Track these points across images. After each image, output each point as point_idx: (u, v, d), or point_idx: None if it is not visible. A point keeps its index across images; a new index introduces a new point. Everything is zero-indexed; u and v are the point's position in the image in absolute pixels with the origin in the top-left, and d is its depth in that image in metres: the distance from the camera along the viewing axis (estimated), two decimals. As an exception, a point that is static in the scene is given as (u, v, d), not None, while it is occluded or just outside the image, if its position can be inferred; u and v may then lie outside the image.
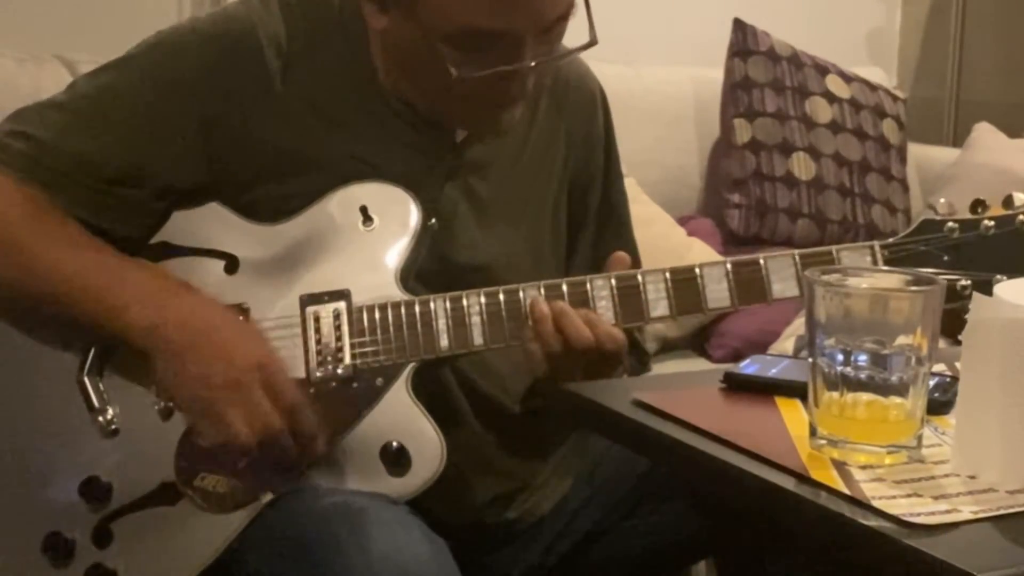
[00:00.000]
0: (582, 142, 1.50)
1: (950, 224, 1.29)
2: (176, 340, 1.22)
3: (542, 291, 1.30)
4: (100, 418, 1.27)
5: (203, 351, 1.22)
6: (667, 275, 1.32)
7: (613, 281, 1.31)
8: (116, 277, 1.26)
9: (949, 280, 1.25)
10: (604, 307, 1.31)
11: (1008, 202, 1.29)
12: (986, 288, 1.24)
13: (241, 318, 1.30)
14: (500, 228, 1.41)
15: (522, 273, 1.37)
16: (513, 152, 1.44)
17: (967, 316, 0.96)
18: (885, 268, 1.27)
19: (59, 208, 1.29)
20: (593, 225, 1.51)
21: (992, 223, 1.27)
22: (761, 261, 1.31)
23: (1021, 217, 1.27)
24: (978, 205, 1.29)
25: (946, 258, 1.28)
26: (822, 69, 2.84)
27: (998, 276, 1.25)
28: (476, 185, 1.40)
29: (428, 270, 1.34)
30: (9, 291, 1.28)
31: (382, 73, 1.36)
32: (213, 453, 1.24)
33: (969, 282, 1.26)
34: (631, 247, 1.53)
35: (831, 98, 2.82)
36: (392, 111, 1.37)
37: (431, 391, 1.30)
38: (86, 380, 1.29)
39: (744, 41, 2.77)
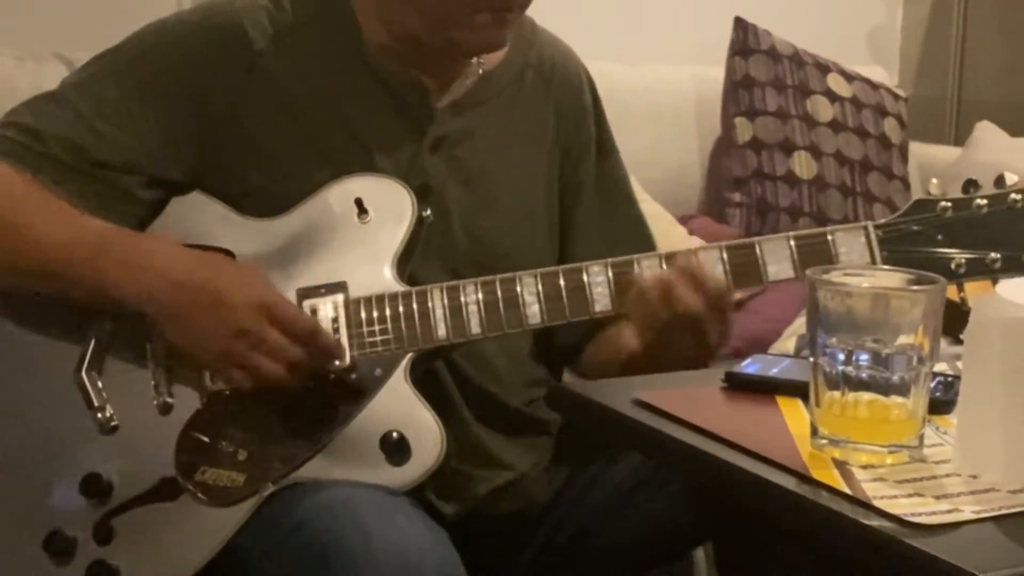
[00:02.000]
0: (571, 114, 1.52)
1: (943, 203, 1.28)
2: (175, 303, 1.25)
3: (538, 278, 1.31)
4: (99, 415, 1.28)
5: (204, 308, 1.24)
6: (663, 259, 1.31)
7: (609, 267, 1.31)
8: (104, 250, 1.27)
9: (943, 259, 1.25)
10: (601, 293, 1.31)
11: (1000, 181, 1.29)
12: (980, 267, 1.24)
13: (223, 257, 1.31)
14: (489, 196, 1.43)
15: (515, 237, 1.39)
16: (498, 122, 1.45)
17: (967, 311, 0.96)
18: (887, 267, 1.26)
19: (47, 188, 1.30)
20: (595, 200, 1.52)
21: (985, 201, 1.27)
22: (756, 244, 1.31)
23: (1013, 195, 1.27)
24: (970, 185, 1.29)
25: (940, 237, 1.27)
26: (823, 68, 2.84)
27: (992, 254, 1.25)
28: (462, 155, 1.42)
29: (426, 247, 1.35)
30: (2, 271, 1.30)
31: (370, 32, 1.38)
32: (220, 437, 1.26)
33: (964, 261, 1.26)
34: (639, 222, 1.54)
35: (832, 97, 2.82)
36: (377, 82, 1.39)
37: (426, 382, 1.30)
38: (84, 377, 1.29)
39: (745, 40, 2.77)
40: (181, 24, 1.39)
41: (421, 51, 1.39)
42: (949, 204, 1.28)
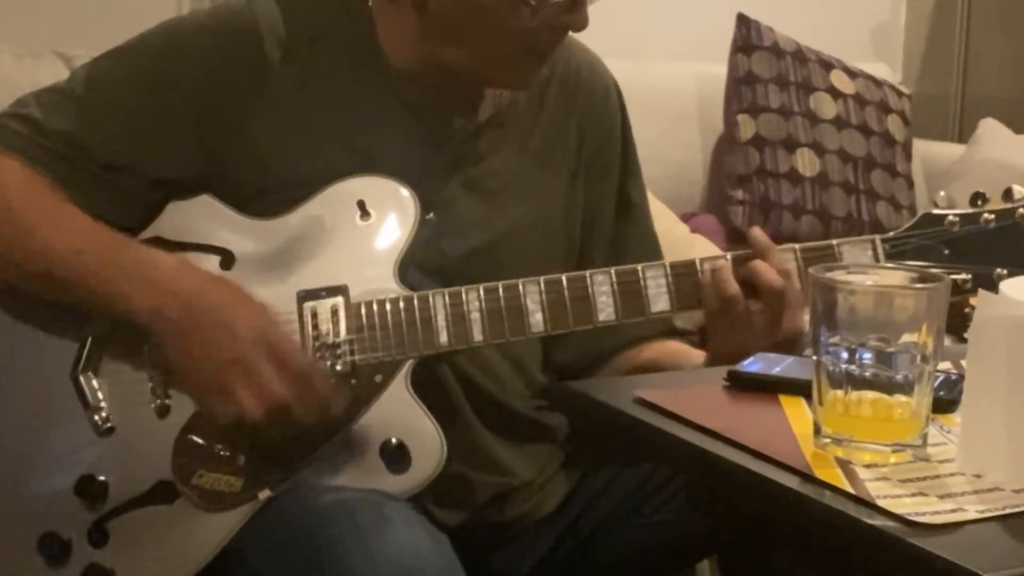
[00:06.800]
0: (596, 130, 1.49)
1: (951, 218, 1.28)
2: (179, 321, 1.23)
3: (542, 286, 1.30)
4: (95, 416, 1.27)
5: (207, 329, 1.22)
6: (668, 269, 1.31)
7: (614, 276, 1.30)
8: (114, 261, 1.26)
9: (950, 274, 1.24)
10: (604, 302, 1.30)
11: (1008, 195, 1.29)
12: (987, 282, 1.23)
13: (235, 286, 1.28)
14: (504, 216, 1.40)
15: (525, 260, 1.37)
16: (519, 141, 1.43)
17: (969, 309, 0.96)
18: (890, 265, 1.26)
19: (56, 188, 1.30)
20: (611, 218, 1.50)
21: (992, 216, 1.27)
22: None
23: (1021, 210, 1.27)
24: (978, 198, 1.29)
25: (947, 252, 1.27)
26: (826, 64, 2.83)
27: (999, 270, 1.25)
28: (477, 174, 1.40)
29: (427, 259, 1.34)
30: (7, 270, 1.29)
31: (392, 51, 1.36)
32: (217, 441, 1.25)
33: (970, 276, 1.26)
34: (651, 243, 1.52)
35: (836, 94, 2.81)
36: (394, 98, 1.36)
37: (429, 387, 1.29)
38: (80, 378, 1.29)
39: (748, 36, 2.76)
40: (196, 28, 1.36)
41: (447, 75, 1.36)
42: (957, 219, 1.28)
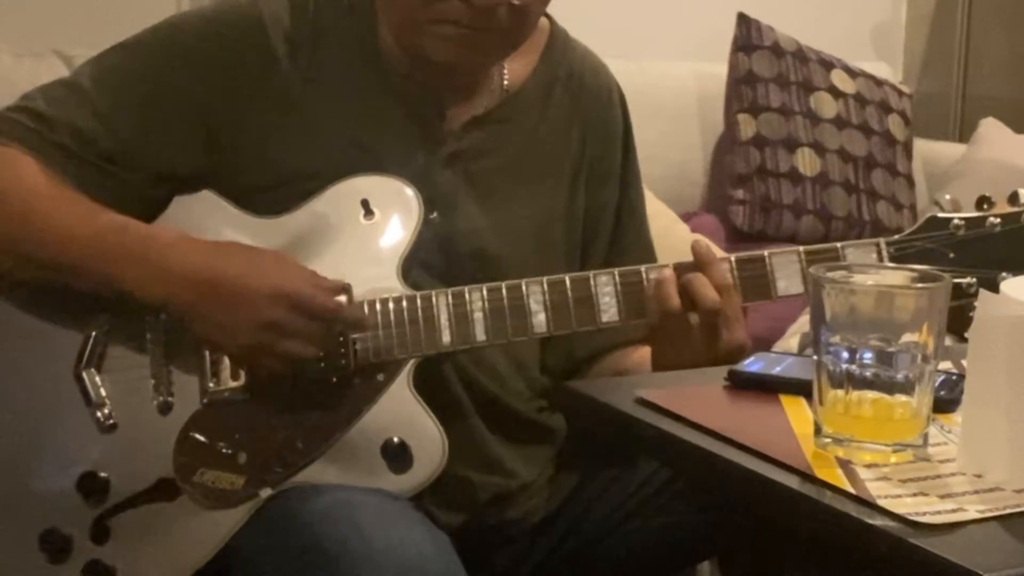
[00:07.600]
0: (600, 133, 1.49)
1: (956, 221, 1.28)
2: (195, 302, 1.24)
3: (545, 286, 1.30)
4: (98, 413, 1.28)
5: (225, 305, 1.24)
6: (671, 269, 1.31)
7: (617, 277, 1.30)
8: (120, 247, 1.26)
9: (955, 278, 1.24)
10: (608, 303, 1.30)
11: (1014, 199, 1.29)
12: (992, 286, 1.23)
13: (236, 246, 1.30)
14: (507, 216, 1.41)
15: (527, 259, 1.37)
16: (521, 141, 1.43)
17: (972, 313, 0.96)
18: (891, 265, 1.26)
19: (62, 179, 1.30)
20: (610, 223, 1.50)
21: (998, 220, 1.27)
22: (766, 257, 1.30)
23: None
24: (983, 202, 1.29)
25: (952, 255, 1.27)
26: (827, 64, 2.83)
27: (1003, 274, 1.24)
28: (477, 172, 1.40)
29: (431, 258, 1.34)
30: (8, 256, 1.29)
31: (382, 39, 1.36)
32: (219, 439, 1.26)
33: (975, 280, 1.26)
34: (647, 247, 1.52)
35: (836, 93, 2.81)
36: (393, 94, 1.37)
37: (432, 387, 1.29)
38: (83, 375, 1.29)
39: (748, 35, 2.76)
40: (202, 21, 1.37)
41: (422, 64, 1.36)
42: (962, 223, 1.28)
